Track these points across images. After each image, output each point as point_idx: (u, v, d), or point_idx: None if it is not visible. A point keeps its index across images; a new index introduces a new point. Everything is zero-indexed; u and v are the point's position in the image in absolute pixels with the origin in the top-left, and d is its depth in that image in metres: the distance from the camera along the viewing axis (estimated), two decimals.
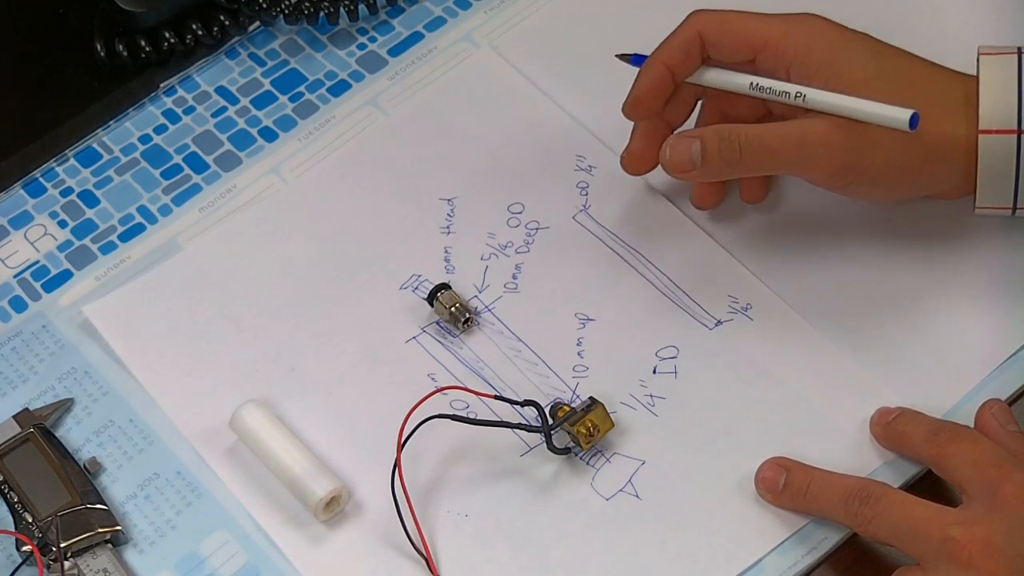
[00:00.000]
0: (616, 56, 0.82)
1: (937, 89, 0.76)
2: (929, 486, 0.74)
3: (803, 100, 0.76)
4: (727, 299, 0.81)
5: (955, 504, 0.70)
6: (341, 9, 0.93)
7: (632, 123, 0.81)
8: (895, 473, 0.75)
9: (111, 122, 0.90)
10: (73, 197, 0.88)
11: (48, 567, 0.74)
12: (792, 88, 0.76)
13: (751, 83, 0.77)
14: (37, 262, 0.85)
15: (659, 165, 0.79)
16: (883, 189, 0.78)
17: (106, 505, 0.76)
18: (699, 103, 0.82)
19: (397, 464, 0.74)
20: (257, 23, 0.93)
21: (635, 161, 0.82)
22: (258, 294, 0.83)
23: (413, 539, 0.74)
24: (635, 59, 0.81)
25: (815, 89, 0.75)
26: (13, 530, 0.75)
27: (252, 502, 0.76)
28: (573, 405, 0.77)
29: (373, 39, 0.93)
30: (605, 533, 0.75)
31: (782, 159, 0.76)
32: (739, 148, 0.76)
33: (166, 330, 0.82)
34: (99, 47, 0.92)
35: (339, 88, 0.91)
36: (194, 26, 0.92)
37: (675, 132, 0.81)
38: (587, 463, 0.77)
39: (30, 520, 0.75)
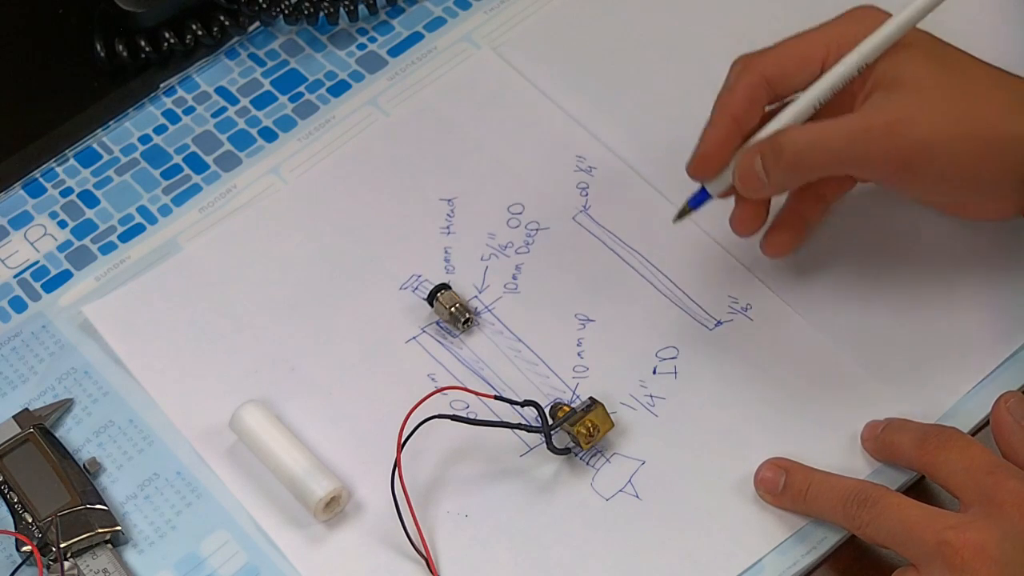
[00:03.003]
0: (674, 222, 0.78)
1: (1005, 86, 0.74)
2: (929, 487, 0.74)
3: (868, 63, 0.73)
4: (727, 299, 0.81)
5: (954, 506, 0.70)
6: (341, 9, 0.93)
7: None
8: (895, 473, 0.75)
9: (111, 122, 0.90)
10: (73, 197, 0.88)
11: (48, 567, 0.74)
12: (853, 64, 0.73)
13: (815, 103, 0.75)
14: (37, 262, 0.85)
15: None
16: (945, 185, 0.74)
17: (106, 505, 0.76)
18: None
19: (397, 464, 0.74)
20: (257, 23, 0.93)
21: (703, 163, 0.77)
22: (258, 294, 0.83)
23: (413, 539, 0.74)
24: (694, 202, 0.78)
25: (868, 43, 0.73)
26: (13, 530, 0.75)
27: (252, 502, 0.76)
28: (573, 405, 0.77)
29: (373, 39, 0.93)
30: (605, 533, 0.75)
31: (847, 156, 0.73)
32: (795, 153, 0.73)
33: (166, 330, 0.82)
34: (99, 47, 0.92)
35: (339, 88, 0.91)
36: (194, 26, 0.92)
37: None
38: (587, 463, 0.77)
39: (30, 520, 0.75)
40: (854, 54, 0.74)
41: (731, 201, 0.80)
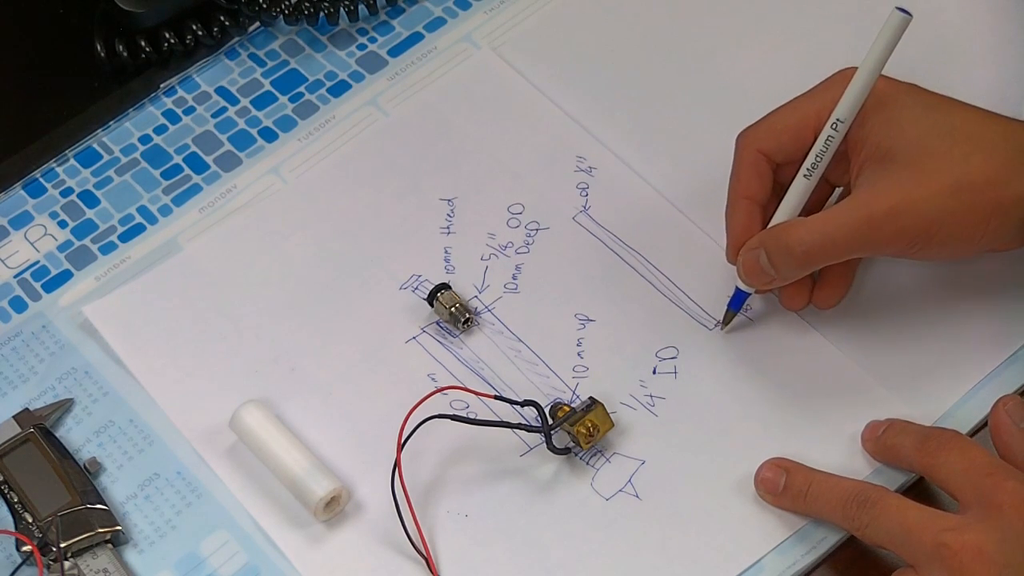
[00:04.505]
0: (724, 331, 0.80)
1: (995, 140, 0.74)
2: (929, 488, 0.74)
3: (841, 125, 0.74)
4: (727, 299, 0.81)
5: (954, 507, 0.70)
6: (341, 9, 0.93)
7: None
8: (895, 474, 0.75)
9: (111, 122, 0.90)
10: (73, 197, 0.88)
11: (48, 567, 0.74)
12: (827, 130, 0.74)
13: (804, 174, 0.76)
14: (37, 262, 0.85)
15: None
16: (951, 248, 0.75)
17: (106, 505, 0.76)
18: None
19: (397, 464, 0.74)
20: (257, 23, 0.93)
21: (737, 251, 0.78)
22: (258, 294, 0.83)
23: (413, 539, 0.74)
24: (734, 304, 0.79)
25: (841, 103, 0.74)
26: (13, 530, 0.75)
27: (252, 502, 0.76)
28: (573, 405, 0.77)
29: (373, 39, 0.93)
30: (605, 533, 0.75)
31: (856, 244, 0.74)
32: (804, 253, 0.74)
33: (166, 330, 0.82)
34: (99, 47, 0.92)
35: (339, 88, 0.91)
36: (194, 26, 0.92)
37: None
38: (587, 463, 0.77)
39: (30, 520, 0.75)
40: (827, 127, 0.75)
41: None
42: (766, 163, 0.77)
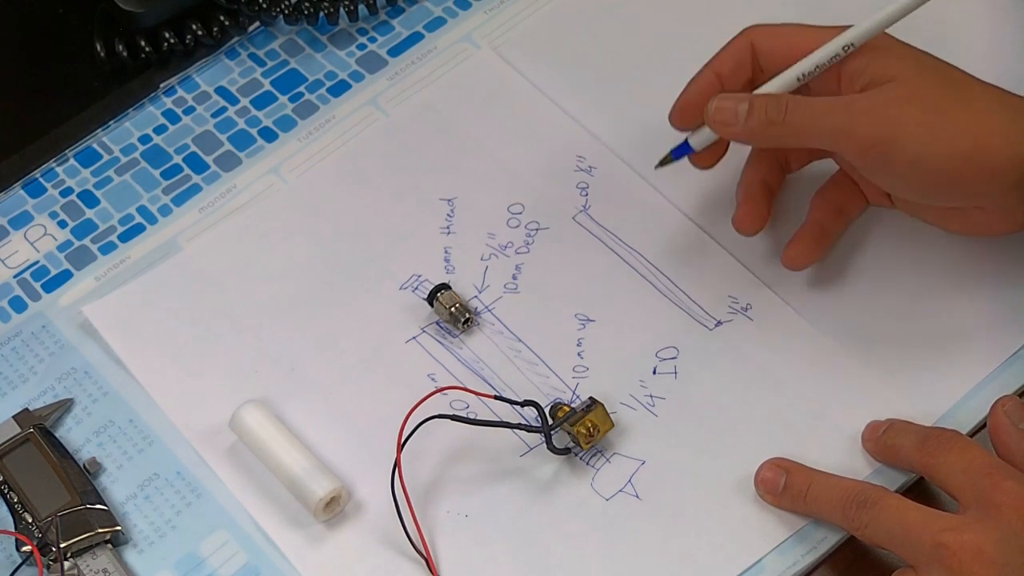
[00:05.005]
0: (656, 168, 0.81)
1: (991, 103, 0.74)
2: (929, 488, 0.74)
3: (853, 48, 0.75)
4: (727, 299, 0.81)
5: (954, 507, 0.70)
6: (341, 9, 0.93)
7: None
8: (895, 474, 0.75)
9: (111, 122, 0.90)
10: (73, 197, 0.88)
11: (48, 567, 0.74)
12: (838, 45, 0.75)
13: (799, 76, 0.76)
14: (37, 262, 0.85)
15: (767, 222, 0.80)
16: (917, 185, 0.75)
17: (106, 505, 0.76)
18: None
19: (397, 464, 0.74)
20: (257, 23, 0.93)
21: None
22: (258, 294, 0.83)
23: (413, 539, 0.74)
24: (676, 152, 0.80)
25: (857, 27, 0.75)
26: (13, 530, 0.75)
27: (252, 502, 0.76)
28: (573, 405, 0.77)
29: (373, 39, 0.93)
30: (605, 533, 0.75)
31: (826, 124, 0.74)
32: (785, 109, 0.75)
33: (166, 330, 0.82)
34: (99, 47, 0.92)
35: (339, 88, 0.91)
36: (194, 26, 0.92)
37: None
38: (587, 463, 0.77)
39: (30, 520, 0.75)
40: (842, 37, 0.75)
41: (733, 204, 0.80)
42: (751, 57, 0.78)
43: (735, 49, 0.78)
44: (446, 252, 0.84)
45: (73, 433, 0.79)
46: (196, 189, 0.88)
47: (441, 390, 0.78)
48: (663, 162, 0.80)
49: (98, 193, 0.88)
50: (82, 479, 0.76)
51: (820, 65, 0.76)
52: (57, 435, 0.78)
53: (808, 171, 0.82)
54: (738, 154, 0.82)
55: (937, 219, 0.79)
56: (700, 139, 0.79)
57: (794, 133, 0.76)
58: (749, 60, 0.78)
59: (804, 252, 0.80)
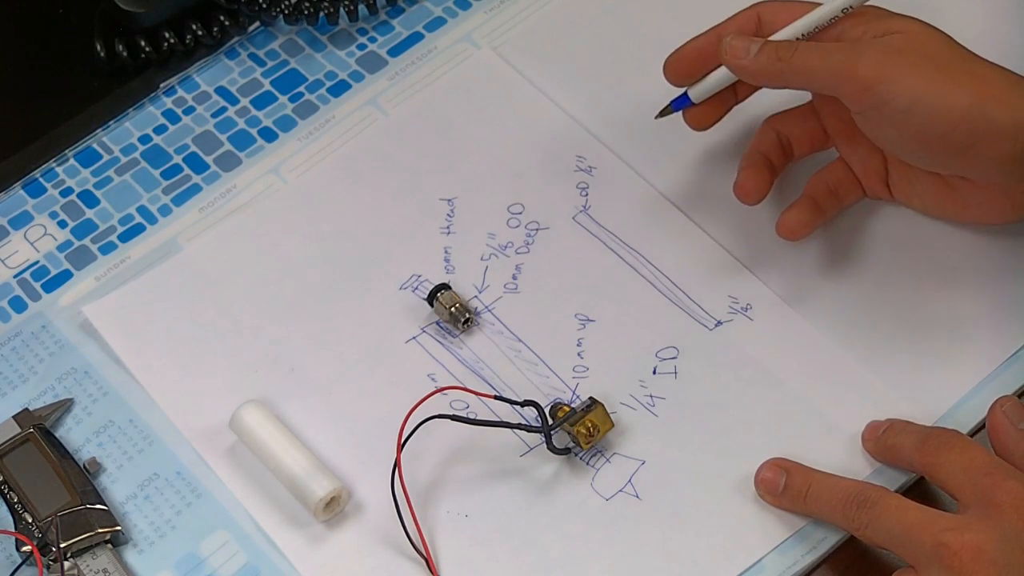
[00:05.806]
0: (656, 118, 0.82)
1: (994, 71, 0.75)
2: (929, 488, 0.74)
3: (851, 10, 0.77)
4: (727, 299, 0.81)
5: (954, 507, 0.70)
6: (341, 9, 0.93)
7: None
8: (895, 474, 0.75)
9: (111, 122, 0.90)
10: (73, 197, 0.88)
11: (48, 567, 0.74)
12: (838, 6, 0.77)
13: (801, 35, 0.78)
14: (37, 262, 0.85)
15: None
16: (911, 140, 0.75)
17: (106, 505, 0.76)
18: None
19: (397, 464, 0.74)
20: (257, 23, 0.93)
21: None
22: (258, 294, 0.83)
23: (413, 539, 0.74)
24: (676, 104, 0.81)
25: None
26: (13, 530, 0.75)
27: (252, 502, 0.76)
28: (573, 405, 0.77)
29: (373, 39, 0.93)
30: (605, 533, 0.75)
31: (830, 62, 0.75)
32: (794, 48, 0.76)
33: (166, 330, 0.82)
34: (99, 47, 0.92)
35: (339, 88, 0.91)
36: (194, 26, 0.92)
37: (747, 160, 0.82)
38: (587, 463, 0.77)
39: (30, 520, 0.75)
40: (837, 6, 0.77)
41: (733, 201, 0.80)
42: (755, 28, 0.79)
43: (742, 18, 0.80)
44: (446, 252, 0.84)
45: (73, 433, 0.79)
46: (196, 189, 0.88)
47: (441, 390, 0.78)
48: (663, 112, 0.82)
49: (98, 193, 0.88)
50: (82, 479, 0.76)
51: (819, 26, 0.77)
52: (57, 435, 0.78)
53: (807, 169, 0.82)
54: (737, 154, 0.82)
55: (933, 204, 0.79)
56: (699, 91, 0.80)
57: (799, 71, 0.76)
58: (754, 30, 0.79)
59: (799, 220, 0.80)
